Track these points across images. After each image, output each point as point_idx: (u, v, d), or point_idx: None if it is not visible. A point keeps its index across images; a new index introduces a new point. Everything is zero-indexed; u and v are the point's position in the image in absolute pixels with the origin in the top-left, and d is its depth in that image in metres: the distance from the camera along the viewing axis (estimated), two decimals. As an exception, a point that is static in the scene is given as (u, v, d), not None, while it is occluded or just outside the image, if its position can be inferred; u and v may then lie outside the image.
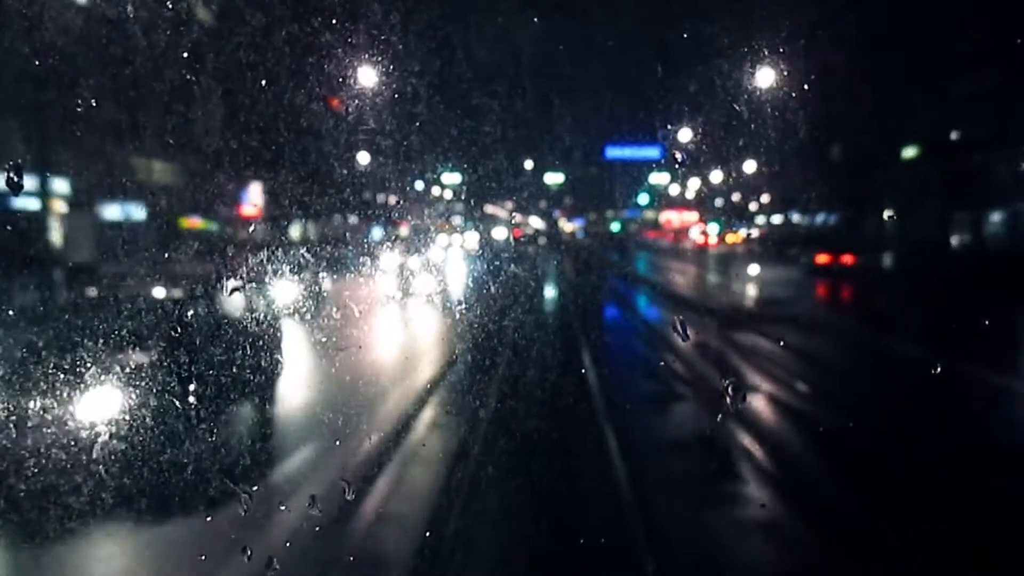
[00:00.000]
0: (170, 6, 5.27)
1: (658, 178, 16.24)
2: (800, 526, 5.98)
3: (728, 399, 5.91)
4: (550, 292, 12.40)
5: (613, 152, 13.84)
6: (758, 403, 8.70)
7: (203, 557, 4.36)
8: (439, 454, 6.61)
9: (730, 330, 11.82)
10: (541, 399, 7.04)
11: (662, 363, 10.37)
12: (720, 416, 7.11)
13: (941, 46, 14.67)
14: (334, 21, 5.78)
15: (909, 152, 19.24)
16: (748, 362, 10.65)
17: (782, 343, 11.67)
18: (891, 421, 7.42)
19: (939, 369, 5.42)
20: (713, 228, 20.33)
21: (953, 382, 7.37)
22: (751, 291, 15.71)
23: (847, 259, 17.95)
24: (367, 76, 6.03)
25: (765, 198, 26.51)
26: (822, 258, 17.92)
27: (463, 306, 6.91)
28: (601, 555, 4.80)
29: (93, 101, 5.75)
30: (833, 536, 5.59)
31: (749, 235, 20.26)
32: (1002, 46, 12.74)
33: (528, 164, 12.21)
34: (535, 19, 8.69)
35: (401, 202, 9.10)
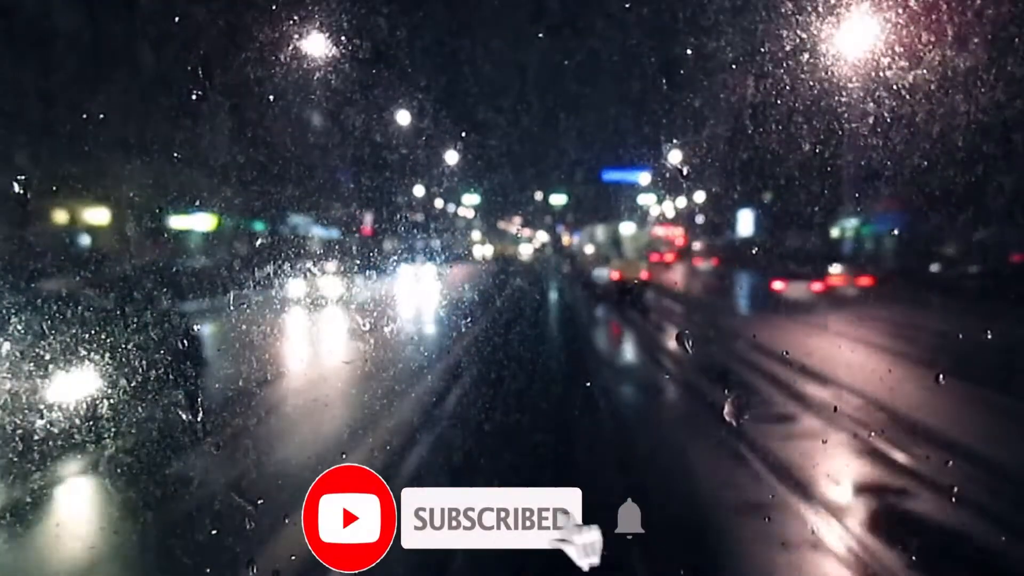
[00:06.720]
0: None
1: (646, 198, 16.87)
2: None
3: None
4: (554, 271, 22.48)
5: (609, 175, 15.07)
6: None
7: (208, 571, 4.28)
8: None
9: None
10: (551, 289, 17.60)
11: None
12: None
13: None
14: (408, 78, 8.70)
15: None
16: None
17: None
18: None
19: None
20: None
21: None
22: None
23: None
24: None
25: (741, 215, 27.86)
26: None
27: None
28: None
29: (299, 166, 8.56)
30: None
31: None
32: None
33: (538, 195, 18.71)
34: (540, 35, 9.85)
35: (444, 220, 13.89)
